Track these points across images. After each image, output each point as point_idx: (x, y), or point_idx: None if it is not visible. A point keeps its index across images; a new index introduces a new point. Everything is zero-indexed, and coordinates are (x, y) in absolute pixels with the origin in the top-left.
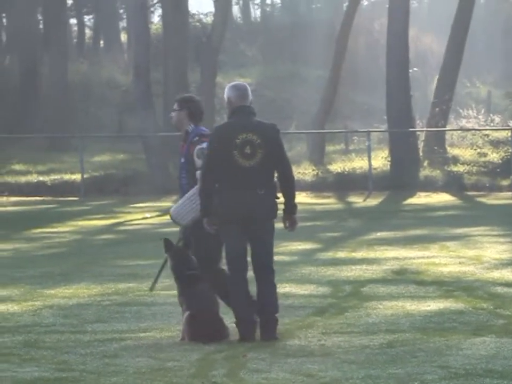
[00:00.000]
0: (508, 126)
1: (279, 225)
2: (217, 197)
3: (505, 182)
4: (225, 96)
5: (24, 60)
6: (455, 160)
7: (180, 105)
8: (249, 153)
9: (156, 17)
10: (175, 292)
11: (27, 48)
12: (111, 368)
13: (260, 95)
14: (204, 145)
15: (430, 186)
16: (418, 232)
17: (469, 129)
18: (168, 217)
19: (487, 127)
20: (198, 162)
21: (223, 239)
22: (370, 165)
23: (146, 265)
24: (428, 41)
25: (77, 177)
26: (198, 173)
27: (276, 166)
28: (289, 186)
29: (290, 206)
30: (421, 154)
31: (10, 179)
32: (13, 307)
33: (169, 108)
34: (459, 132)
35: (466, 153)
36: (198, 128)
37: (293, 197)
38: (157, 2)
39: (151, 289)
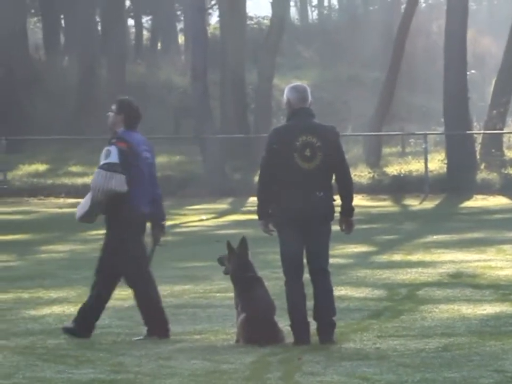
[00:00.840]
0: None
1: (335, 227)
2: (276, 199)
3: None
4: (285, 97)
5: (83, 61)
6: None
7: (119, 108)
8: (309, 156)
9: (214, 19)
10: (230, 294)
11: (85, 50)
12: (166, 370)
13: (316, 97)
14: (112, 148)
15: (487, 189)
16: (475, 235)
17: None
18: (223, 219)
19: None
20: (102, 160)
21: (280, 242)
22: (426, 167)
23: (203, 267)
24: (486, 43)
25: None
26: (97, 171)
27: (334, 169)
28: (348, 189)
29: (348, 208)
30: (478, 157)
31: (67, 180)
32: (69, 309)
33: (227, 110)
34: None
35: None
36: (125, 132)
37: (351, 199)
38: (215, 4)
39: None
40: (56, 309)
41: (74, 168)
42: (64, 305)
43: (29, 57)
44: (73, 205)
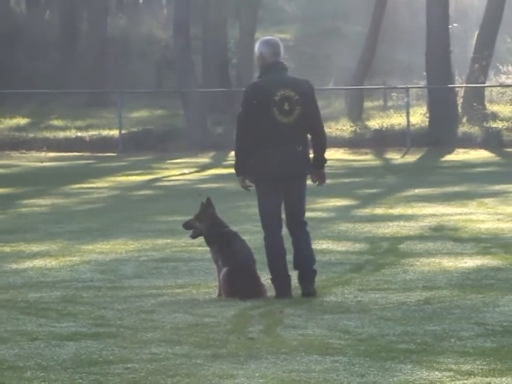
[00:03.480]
0: None
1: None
2: (256, 155)
3: None
4: (257, 51)
5: (64, 14)
6: (494, 116)
7: None
8: (288, 110)
9: None
10: None
11: (66, 3)
12: (148, 323)
13: (299, 51)
14: None
15: (468, 142)
16: (456, 188)
17: (508, 86)
18: (205, 173)
19: None
20: None
21: (259, 196)
22: (408, 121)
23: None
24: None
25: (115, 133)
26: None
27: (310, 122)
28: (322, 142)
29: (321, 160)
30: (459, 110)
31: (49, 134)
32: (50, 262)
33: (209, 64)
34: (498, 88)
35: (505, 110)
36: None
37: (324, 152)
38: None
39: None
40: (38, 263)
41: (56, 122)
42: (46, 259)
43: (10, 10)
44: (55, 159)
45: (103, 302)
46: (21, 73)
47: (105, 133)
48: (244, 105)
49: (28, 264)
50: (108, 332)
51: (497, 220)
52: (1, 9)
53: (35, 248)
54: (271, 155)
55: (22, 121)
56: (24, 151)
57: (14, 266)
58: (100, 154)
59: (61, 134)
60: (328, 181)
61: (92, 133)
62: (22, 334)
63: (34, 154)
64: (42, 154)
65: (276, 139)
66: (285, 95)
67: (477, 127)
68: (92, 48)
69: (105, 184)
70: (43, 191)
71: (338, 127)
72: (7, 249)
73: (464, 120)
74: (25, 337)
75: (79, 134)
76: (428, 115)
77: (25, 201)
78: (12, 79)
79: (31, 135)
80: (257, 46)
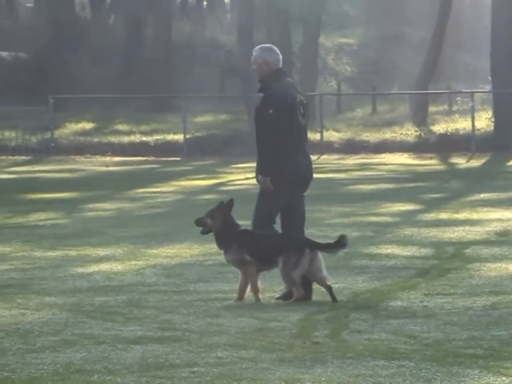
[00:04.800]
0: None
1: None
2: (285, 157)
3: None
4: (261, 58)
5: (129, 20)
6: None
7: None
8: (303, 113)
9: None
10: None
11: (131, 8)
12: (214, 327)
13: (362, 55)
14: None
15: None
16: None
17: None
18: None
19: None
20: None
21: (275, 198)
22: (473, 125)
23: (248, 226)
24: None
25: (179, 137)
26: None
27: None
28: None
29: None
30: None
31: (113, 139)
32: (116, 266)
33: None
34: None
35: None
36: None
37: None
38: None
39: None
40: (103, 267)
41: (120, 127)
42: (112, 263)
43: (75, 16)
44: (120, 163)
45: (169, 306)
46: (86, 78)
47: (169, 137)
48: (277, 108)
49: (94, 268)
50: (173, 335)
51: None
52: (66, 15)
53: (101, 252)
54: (300, 158)
55: (87, 126)
56: (89, 155)
57: (80, 270)
58: (164, 159)
59: (126, 139)
60: (392, 185)
61: (157, 137)
62: (89, 337)
63: (99, 158)
64: (107, 158)
65: (300, 142)
66: (300, 99)
67: None
68: (157, 53)
69: (170, 189)
70: (108, 195)
71: (402, 132)
72: (73, 253)
73: None
74: (91, 341)
75: (144, 138)
76: (493, 119)
77: (90, 206)
78: (77, 84)
79: (96, 139)
80: (258, 53)
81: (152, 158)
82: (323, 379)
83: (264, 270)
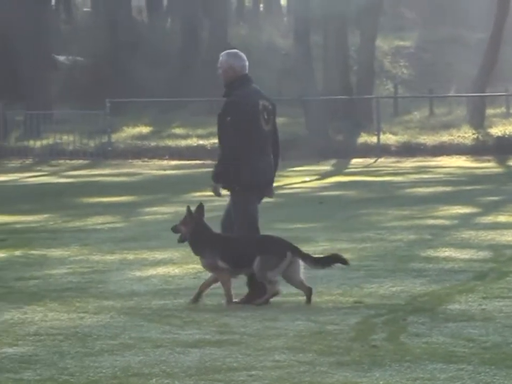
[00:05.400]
0: None
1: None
2: (245, 163)
3: None
4: (227, 64)
5: (185, 23)
6: None
7: None
8: (267, 119)
9: None
10: None
11: (188, 11)
12: (271, 331)
13: (419, 58)
14: None
15: None
16: None
17: None
18: (326, 180)
19: None
20: None
21: (244, 205)
22: None
23: (306, 229)
24: None
25: None
26: None
27: (274, 133)
28: (278, 155)
29: (276, 171)
30: None
31: (171, 143)
32: (174, 270)
33: (329, 71)
34: None
35: None
36: None
37: (277, 166)
38: None
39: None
40: (161, 270)
41: (177, 130)
42: (169, 267)
43: (132, 19)
44: (177, 167)
45: (226, 310)
46: (143, 82)
47: None
48: (237, 113)
49: (151, 271)
50: (231, 339)
51: None
52: (123, 19)
53: (158, 255)
54: (260, 163)
55: (144, 129)
56: (146, 159)
57: (138, 273)
58: None
59: (183, 142)
60: (449, 188)
61: (213, 141)
62: (147, 341)
63: (157, 162)
64: (165, 162)
65: (262, 148)
66: (264, 105)
67: None
68: (213, 56)
69: (227, 192)
70: (165, 199)
71: (460, 134)
72: (130, 256)
73: None
74: (149, 344)
75: (201, 142)
76: None
77: (148, 209)
78: (134, 88)
79: (153, 143)
80: (224, 59)
81: (209, 162)
82: (381, 382)
83: (242, 274)
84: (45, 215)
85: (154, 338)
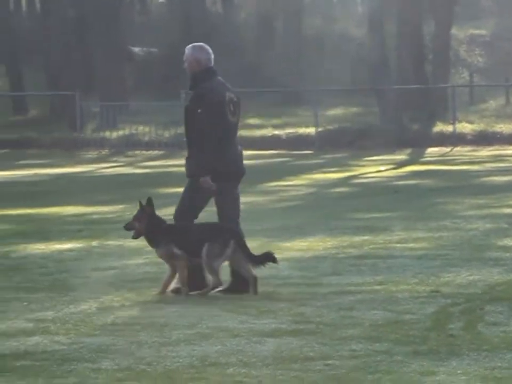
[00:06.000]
0: None
1: None
2: (215, 154)
3: None
4: (192, 56)
5: (259, 14)
6: None
7: None
8: (233, 111)
9: None
10: (411, 245)
11: (262, 2)
12: (347, 320)
13: (495, 46)
14: None
15: None
16: None
17: None
18: (401, 170)
19: None
20: None
21: (196, 192)
22: None
23: (382, 218)
24: None
25: (311, 130)
26: None
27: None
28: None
29: None
30: None
31: (245, 133)
32: None
33: (404, 61)
34: None
35: None
36: None
37: None
38: None
39: None
40: None
41: (251, 121)
42: None
43: (206, 11)
44: (251, 157)
45: (302, 299)
46: (218, 72)
47: (301, 130)
48: (204, 106)
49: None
50: (307, 328)
51: None
52: (197, 10)
53: None
54: (231, 154)
55: None
56: None
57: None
58: (296, 152)
59: (258, 133)
60: None
61: (288, 131)
62: (224, 330)
63: None
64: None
65: (230, 138)
66: (230, 97)
67: None
68: (288, 47)
69: (302, 182)
70: (241, 189)
71: None
72: None
73: None
74: (226, 334)
75: (276, 132)
76: None
77: None
78: None
79: None
80: (189, 52)
81: (284, 152)
82: (459, 372)
83: (196, 262)
84: (121, 206)
85: (231, 328)
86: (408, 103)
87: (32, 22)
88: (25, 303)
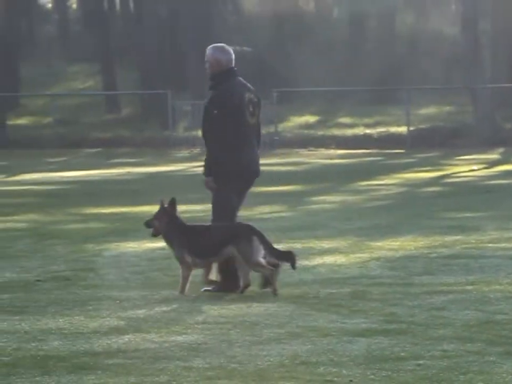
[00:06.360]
0: None
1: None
2: (231, 155)
3: None
4: (213, 57)
5: (352, 12)
6: None
7: None
8: (252, 112)
9: None
10: (503, 245)
11: (354, 1)
12: (439, 320)
13: None
14: None
15: None
16: None
17: None
18: (494, 169)
19: None
20: None
21: (224, 194)
22: None
23: (474, 218)
24: None
25: (403, 129)
26: None
27: (259, 126)
28: (259, 146)
29: None
30: None
31: (337, 132)
32: (340, 259)
33: (498, 59)
34: None
35: None
36: None
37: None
38: None
39: None
40: (328, 259)
41: (343, 120)
42: (336, 256)
43: (299, 9)
44: (343, 156)
45: (393, 299)
46: (309, 71)
47: (393, 129)
48: (222, 107)
49: (318, 260)
50: (398, 328)
51: None
52: (290, 8)
53: (325, 245)
54: (245, 155)
55: (311, 119)
56: (312, 148)
57: (305, 262)
58: (387, 151)
59: (349, 132)
60: None
61: (380, 130)
62: (314, 329)
63: (323, 151)
64: (331, 151)
65: (247, 140)
66: (249, 97)
67: None
68: (380, 46)
69: (393, 181)
70: (332, 188)
71: None
72: (298, 245)
73: None
74: (317, 333)
75: (367, 131)
76: None
77: (314, 198)
78: (300, 77)
79: (319, 132)
80: (210, 52)
81: (375, 151)
82: None
83: (214, 262)
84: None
85: (322, 327)
86: (501, 101)
87: (126, 22)
88: (117, 302)
